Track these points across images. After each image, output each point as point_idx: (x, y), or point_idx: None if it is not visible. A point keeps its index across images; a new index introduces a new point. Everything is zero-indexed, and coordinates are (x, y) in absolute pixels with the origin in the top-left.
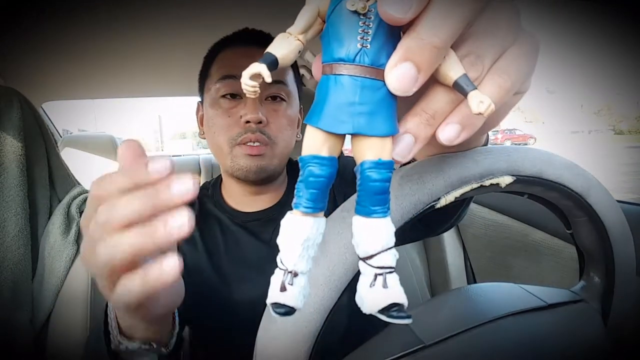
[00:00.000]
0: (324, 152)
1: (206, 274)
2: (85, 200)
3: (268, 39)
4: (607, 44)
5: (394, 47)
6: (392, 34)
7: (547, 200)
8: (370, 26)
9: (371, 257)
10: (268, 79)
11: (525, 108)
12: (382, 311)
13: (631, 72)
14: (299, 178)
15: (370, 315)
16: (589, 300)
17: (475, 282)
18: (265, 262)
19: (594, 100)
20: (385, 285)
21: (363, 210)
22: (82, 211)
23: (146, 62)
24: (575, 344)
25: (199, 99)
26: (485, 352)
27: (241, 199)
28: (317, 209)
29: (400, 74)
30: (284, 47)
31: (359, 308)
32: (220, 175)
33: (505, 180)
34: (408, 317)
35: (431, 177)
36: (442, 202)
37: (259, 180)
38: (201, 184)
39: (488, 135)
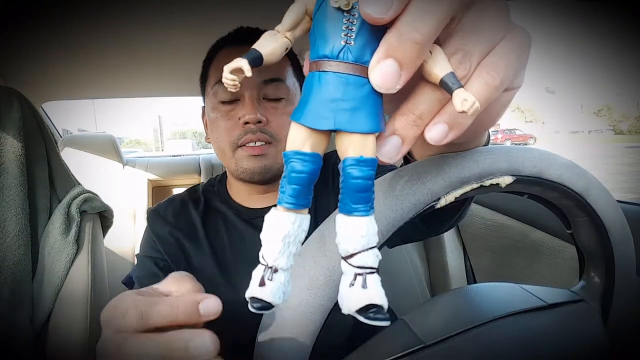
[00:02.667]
0: (307, 148)
1: (211, 272)
2: (85, 200)
3: None
4: (607, 44)
5: (378, 44)
6: (376, 31)
7: (547, 200)
8: (354, 23)
9: (351, 256)
10: (248, 73)
11: (525, 108)
12: (359, 311)
13: (631, 72)
14: (283, 174)
15: None
16: (589, 300)
17: (475, 282)
18: None
19: (594, 100)
20: (364, 286)
21: (345, 208)
22: (83, 211)
23: (146, 62)
24: (575, 344)
25: (198, 99)
26: (485, 352)
27: (248, 197)
28: (299, 205)
29: (383, 71)
30: (270, 43)
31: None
32: (226, 172)
33: (506, 181)
34: (386, 319)
35: (431, 177)
36: (442, 202)
37: (264, 181)
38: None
39: (489, 135)
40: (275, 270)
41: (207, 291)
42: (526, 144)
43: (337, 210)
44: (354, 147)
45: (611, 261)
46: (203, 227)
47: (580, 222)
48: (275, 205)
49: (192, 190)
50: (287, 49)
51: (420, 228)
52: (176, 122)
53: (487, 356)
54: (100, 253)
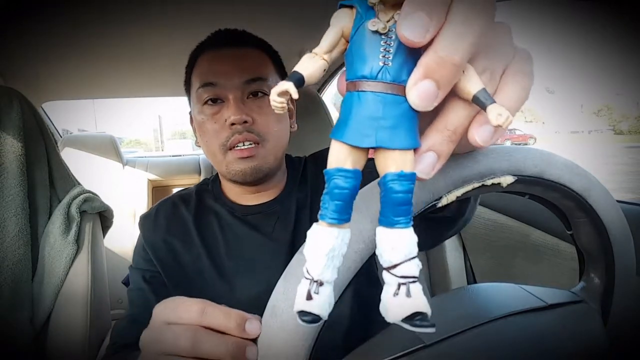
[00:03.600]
0: (348, 165)
1: (206, 272)
2: (85, 200)
3: (241, 38)
4: (607, 44)
5: (415, 64)
6: (413, 51)
7: (547, 201)
8: (391, 45)
9: (395, 266)
10: (295, 95)
11: (525, 108)
12: (405, 320)
13: (631, 72)
14: (325, 190)
15: (371, 313)
16: (588, 300)
17: (475, 282)
18: (268, 255)
19: (594, 100)
20: (408, 295)
21: (386, 220)
22: (83, 211)
23: (146, 63)
24: (575, 344)
25: None
26: (485, 352)
27: (241, 195)
28: (342, 220)
29: (421, 91)
30: (309, 65)
31: (360, 305)
32: None
33: (507, 180)
34: (432, 325)
35: (432, 177)
36: (444, 202)
37: (256, 181)
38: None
39: None
40: (321, 284)
41: (203, 290)
42: (526, 144)
43: None
44: (395, 162)
45: (611, 262)
46: (195, 227)
47: (580, 222)
48: (268, 203)
49: (184, 192)
50: (324, 70)
51: (424, 238)
52: (176, 122)
53: (487, 356)
54: (100, 253)
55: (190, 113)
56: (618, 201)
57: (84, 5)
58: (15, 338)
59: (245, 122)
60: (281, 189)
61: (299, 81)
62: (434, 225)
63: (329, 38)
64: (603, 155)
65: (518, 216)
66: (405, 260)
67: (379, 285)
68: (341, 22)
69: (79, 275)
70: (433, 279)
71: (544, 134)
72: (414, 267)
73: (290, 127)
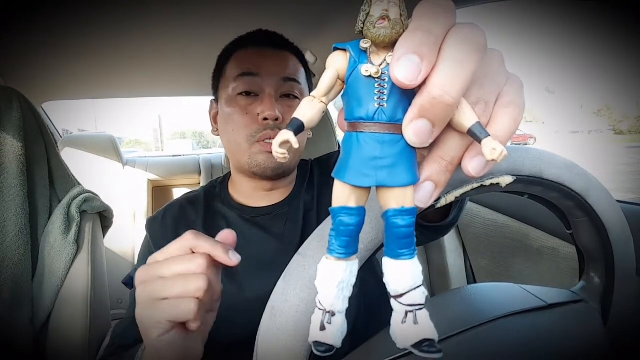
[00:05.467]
0: (352, 203)
1: None
2: (85, 200)
3: (281, 41)
4: (607, 44)
5: (410, 102)
6: (407, 90)
7: (547, 201)
8: (385, 87)
9: (401, 295)
10: (295, 145)
11: (525, 108)
12: (414, 346)
13: (631, 72)
14: (331, 227)
15: (372, 314)
16: (589, 300)
17: (475, 282)
18: (278, 256)
19: (594, 100)
20: (416, 322)
21: (391, 252)
22: (83, 211)
23: (146, 62)
24: (575, 344)
25: (198, 99)
26: (485, 352)
27: (251, 194)
28: (349, 254)
29: (417, 129)
30: (309, 111)
31: (366, 305)
32: (229, 173)
33: (506, 180)
34: (438, 351)
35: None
36: (443, 202)
37: (274, 177)
38: (201, 184)
39: None
40: (333, 314)
41: None
42: (526, 144)
43: None
44: (396, 199)
45: (611, 261)
46: (204, 229)
47: (580, 222)
48: (277, 204)
49: (191, 194)
50: (323, 112)
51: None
52: (176, 122)
53: (487, 356)
54: (100, 253)
55: (213, 101)
56: (618, 201)
57: (84, 5)
58: (15, 338)
59: (277, 119)
60: (290, 191)
61: (299, 128)
62: (428, 232)
63: (325, 81)
64: (603, 155)
65: (518, 216)
66: (411, 290)
67: (383, 286)
68: (336, 64)
69: (79, 275)
70: (433, 279)
71: (544, 134)
72: (420, 295)
73: (307, 133)
